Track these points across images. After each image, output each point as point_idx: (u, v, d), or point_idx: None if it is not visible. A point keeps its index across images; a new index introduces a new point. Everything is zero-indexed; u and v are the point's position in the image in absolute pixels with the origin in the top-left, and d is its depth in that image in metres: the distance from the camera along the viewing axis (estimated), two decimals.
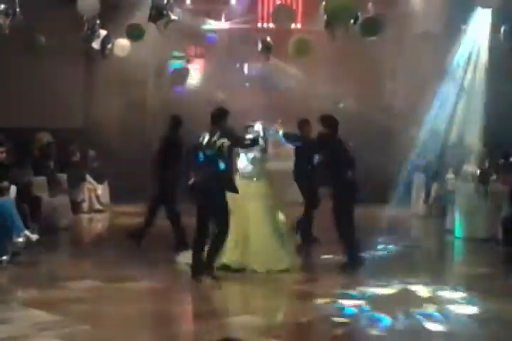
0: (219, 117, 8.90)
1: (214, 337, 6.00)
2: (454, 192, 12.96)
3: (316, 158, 10.79)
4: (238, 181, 9.42)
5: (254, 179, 9.70)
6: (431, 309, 7.53)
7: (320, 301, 7.87)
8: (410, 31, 16.03)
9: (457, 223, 12.47)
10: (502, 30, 13.38)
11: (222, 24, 17.78)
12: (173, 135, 10.95)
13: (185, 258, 9.54)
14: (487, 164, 13.22)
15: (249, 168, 9.69)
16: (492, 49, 15.14)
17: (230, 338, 2.77)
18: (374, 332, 6.80)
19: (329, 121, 9.64)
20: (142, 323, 7.06)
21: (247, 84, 17.95)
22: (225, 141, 8.59)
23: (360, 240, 9.64)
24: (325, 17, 12.83)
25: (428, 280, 9.02)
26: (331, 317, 7.21)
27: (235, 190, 8.70)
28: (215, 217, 8.71)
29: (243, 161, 9.70)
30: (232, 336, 2.72)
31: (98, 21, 13.65)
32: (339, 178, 9.40)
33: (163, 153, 10.82)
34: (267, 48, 15.12)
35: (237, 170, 9.69)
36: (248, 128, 9.72)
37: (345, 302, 7.74)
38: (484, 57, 15.80)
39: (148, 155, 11.99)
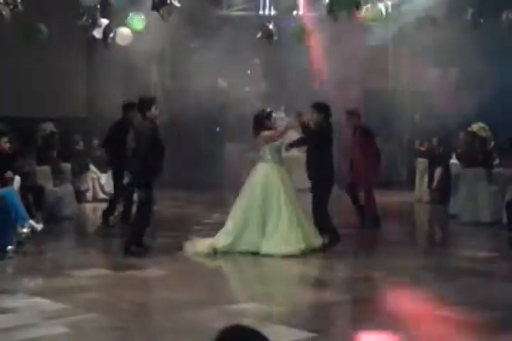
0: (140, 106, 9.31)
1: (219, 324, 6.01)
2: (457, 177, 12.96)
3: None
4: (270, 165, 9.53)
5: (281, 164, 9.78)
6: None
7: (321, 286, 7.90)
8: (414, 15, 15.96)
9: (461, 207, 12.47)
10: None
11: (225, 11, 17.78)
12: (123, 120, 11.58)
13: (193, 246, 9.58)
14: (491, 147, 13.22)
15: (277, 154, 9.76)
16: None
17: (239, 325, 2.76)
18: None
19: (321, 108, 9.74)
20: (148, 311, 7.09)
21: (249, 72, 17.93)
22: None
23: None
24: (326, 2, 12.82)
25: (433, 264, 9.07)
26: (332, 301, 7.24)
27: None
28: None
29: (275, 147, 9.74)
30: (240, 323, 2.71)
31: (98, 7, 13.63)
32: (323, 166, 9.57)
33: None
34: (268, 35, 15.08)
35: (265, 156, 9.69)
36: (268, 114, 9.73)
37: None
38: None
39: None
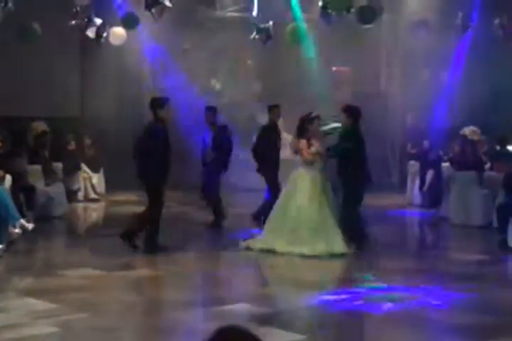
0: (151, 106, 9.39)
1: (209, 325, 6.01)
2: (449, 180, 12.98)
3: None
4: (305, 170, 9.55)
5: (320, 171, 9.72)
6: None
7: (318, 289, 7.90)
8: (406, 18, 16.01)
9: (452, 210, 12.50)
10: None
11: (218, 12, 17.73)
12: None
13: (248, 243, 9.70)
14: (484, 151, 13.25)
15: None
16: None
17: (235, 326, 2.75)
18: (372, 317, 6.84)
19: (352, 111, 9.71)
20: (140, 311, 7.08)
21: (242, 72, 17.94)
22: None
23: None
24: (320, 4, 12.86)
25: (424, 267, 9.09)
26: (328, 304, 7.25)
27: None
28: None
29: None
30: (232, 323, 2.70)
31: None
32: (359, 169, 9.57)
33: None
34: (266, 35, 14.98)
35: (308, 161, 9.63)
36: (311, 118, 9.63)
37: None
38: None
39: None
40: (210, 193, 11.82)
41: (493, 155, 13.14)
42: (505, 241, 10.05)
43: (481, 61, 15.51)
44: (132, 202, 14.26)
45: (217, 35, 16.64)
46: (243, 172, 16.88)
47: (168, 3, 13.04)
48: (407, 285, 8.08)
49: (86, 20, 13.98)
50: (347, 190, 9.64)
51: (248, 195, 15.03)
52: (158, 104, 9.44)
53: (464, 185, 12.42)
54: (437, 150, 15.05)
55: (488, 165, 12.89)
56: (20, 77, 15.06)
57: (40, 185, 12.25)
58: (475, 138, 13.05)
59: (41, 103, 15.40)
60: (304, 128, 9.62)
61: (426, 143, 15.53)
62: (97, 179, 15.42)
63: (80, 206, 14.55)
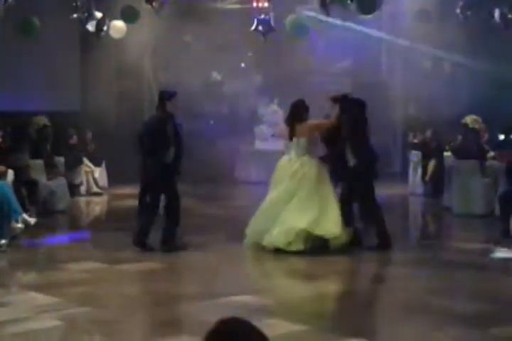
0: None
1: (212, 317, 6.02)
2: (451, 169, 12.97)
3: None
4: (295, 157, 9.34)
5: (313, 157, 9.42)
6: None
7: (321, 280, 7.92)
8: (405, 8, 15.96)
9: (455, 200, 12.50)
10: None
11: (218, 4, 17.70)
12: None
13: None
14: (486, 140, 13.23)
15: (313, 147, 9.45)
16: None
17: (236, 318, 2.76)
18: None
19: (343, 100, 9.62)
20: (142, 304, 7.10)
21: (243, 65, 17.93)
22: None
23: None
24: None
25: (426, 256, 9.11)
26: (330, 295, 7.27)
27: None
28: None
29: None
30: (234, 315, 2.71)
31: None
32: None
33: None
34: (269, 29, 14.92)
35: (298, 147, 9.36)
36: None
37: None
38: None
39: None
40: None
41: (497, 144, 13.14)
42: (507, 230, 10.05)
43: (482, 50, 15.48)
44: (135, 196, 14.22)
45: (217, 27, 16.59)
46: (245, 166, 16.94)
47: None
48: (408, 274, 8.11)
49: (86, 14, 13.93)
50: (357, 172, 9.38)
51: (251, 188, 15.06)
52: (166, 96, 9.37)
53: (466, 174, 12.40)
54: (439, 139, 15.04)
55: (491, 154, 12.87)
56: (21, 72, 15.05)
57: (42, 179, 12.27)
58: (476, 126, 13.03)
59: (42, 97, 15.40)
60: (300, 115, 9.31)
61: (428, 133, 15.52)
62: (99, 173, 15.43)
63: (83, 200, 14.57)
